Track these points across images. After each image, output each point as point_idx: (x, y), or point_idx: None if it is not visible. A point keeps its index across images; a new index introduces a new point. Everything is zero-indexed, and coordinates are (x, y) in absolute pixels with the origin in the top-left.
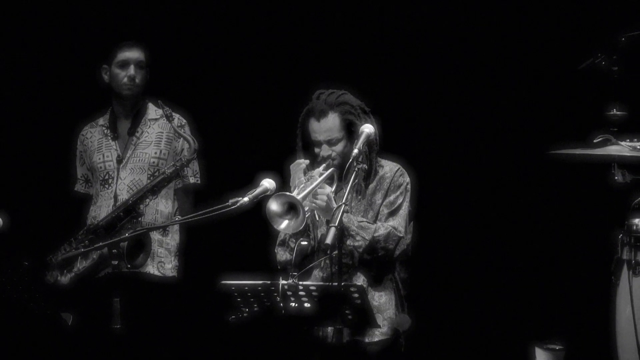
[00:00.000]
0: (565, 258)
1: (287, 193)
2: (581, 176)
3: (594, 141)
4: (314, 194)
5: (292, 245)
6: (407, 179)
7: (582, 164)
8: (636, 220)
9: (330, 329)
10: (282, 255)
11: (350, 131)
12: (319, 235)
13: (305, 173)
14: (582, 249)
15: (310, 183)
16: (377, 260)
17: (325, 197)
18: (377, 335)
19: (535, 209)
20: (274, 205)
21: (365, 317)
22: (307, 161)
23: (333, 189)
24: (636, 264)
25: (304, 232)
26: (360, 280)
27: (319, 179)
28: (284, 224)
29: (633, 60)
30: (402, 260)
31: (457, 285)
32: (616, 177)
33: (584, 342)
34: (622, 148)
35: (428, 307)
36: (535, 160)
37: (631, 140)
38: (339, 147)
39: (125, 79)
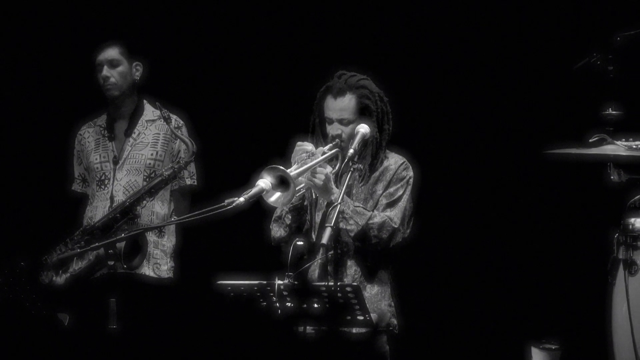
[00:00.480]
0: (561, 257)
1: (280, 167)
2: (577, 176)
3: (590, 141)
4: (312, 171)
5: (288, 221)
6: (411, 174)
7: (578, 164)
8: (632, 220)
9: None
10: (276, 231)
11: (363, 116)
12: (318, 218)
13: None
14: (578, 249)
15: (310, 160)
16: (370, 249)
17: (323, 177)
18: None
19: (532, 209)
20: (266, 177)
21: (362, 317)
22: (312, 147)
23: (334, 170)
24: (632, 264)
25: (301, 210)
26: (352, 270)
27: (320, 158)
28: (273, 197)
29: (628, 59)
30: (397, 255)
31: (454, 283)
32: (612, 177)
33: (580, 342)
34: (618, 147)
35: (424, 305)
36: (531, 160)
37: (627, 140)
38: (349, 128)
39: (101, 81)
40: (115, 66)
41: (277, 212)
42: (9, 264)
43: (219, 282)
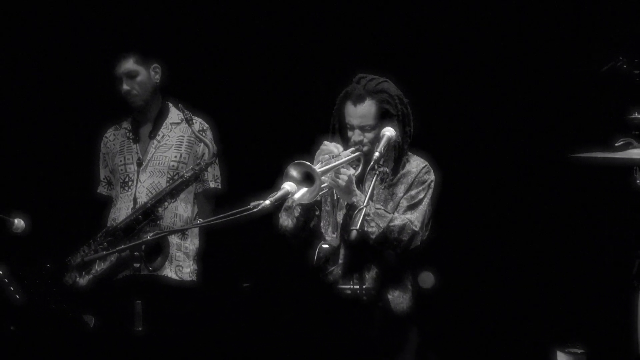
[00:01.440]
0: (586, 261)
1: (307, 162)
2: (602, 179)
3: (616, 145)
4: (336, 171)
5: (296, 214)
6: (432, 177)
7: (604, 168)
8: None
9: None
10: (284, 220)
11: (385, 119)
12: (339, 217)
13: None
14: (604, 252)
15: (334, 160)
16: (389, 252)
17: (346, 178)
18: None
19: (557, 212)
20: (292, 172)
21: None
22: (337, 148)
23: (357, 172)
24: None
25: (313, 208)
26: (373, 272)
27: (344, 159)
28: (298, 194)
29: None
30: (417, 258)
31: (478, 287)
32: (638, 181)
33: (606, 346)
34: None
35: (448, 308)
36: (557, 163)
37: None
38: (371, 134)
39: (123, 94)
40: (134, 77)
41: (288, 202)
42: (34, 266)
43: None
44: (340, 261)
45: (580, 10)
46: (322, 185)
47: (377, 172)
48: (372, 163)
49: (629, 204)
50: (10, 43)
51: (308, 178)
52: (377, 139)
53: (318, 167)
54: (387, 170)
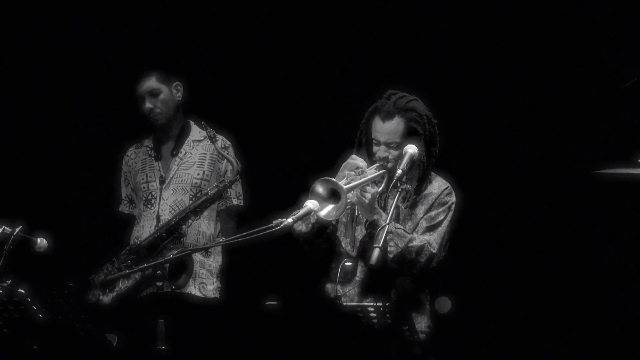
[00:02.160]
0: (611, 278)
1: (333, 179)
2: (626, 195)
3: (639, 160)
4: (362, 188)
5: (312, 220)
6: (453, 199)
7: (627, 183)
8: None
9: None
10: (299, 224)
11: (411, 136)
12: (357, 232)
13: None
14: (629, 269)
15: (359, 177)
16: (406, 272)
17: (370, 196)
18: None
19: (581, 229)
20: (319, 188)
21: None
22: (364, 164)
23: (380, 189)
24: None
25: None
26: (391, 293)
27: (370, 176)
28: (324, 211)
29: None
30: (435, 278)
31: (501, 307)
32: None
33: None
34: None
35: (469, 329)
36: (580, 180)
37: None
38: (397, 152)
39: (146, 113)
40: (156, 95)
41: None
42: (57, 285)
43: (268, 302)
44: (357, 278)
45: (606, 25)
46: (347, 201)
47: (400, 190)
48: (394, 180)
49: None
50: (32, 62)
51: (334, 195)
52: (401, 156)
53: (344, 184)
54: (410, 187)
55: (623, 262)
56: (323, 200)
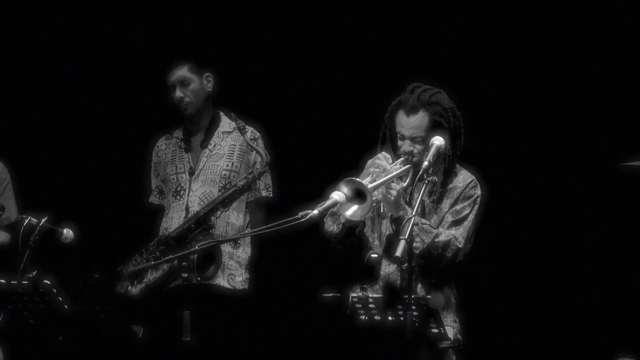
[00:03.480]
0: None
1: (358, 179)
2: None
3: None
4: (387, 186)
5: (342, 219)
6: (479, 192)
7: None
8: None
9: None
10: (329, 225)
11: (436, 129)
12: (383, 227)
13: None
14: None
15: (384, 175)
16: (433, 267)
17: (395, 192)
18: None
19: (608, 221)
20: (344, 189)
21: (437, 331)
22: (388, 164)
23: (405, 185)
24: None
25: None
26: (417, 287)
27: (394, 173)
28: (350, 211)
29: None
30: (461, 272)
31: (536, 296)
32: None
33: None
34: None
35: (506, 319)
36: (606, 172)
37: None
38: (422, 146)
39: (176, 102)
40: (187, 85)
41: (334, 208)
42: (83, 276)
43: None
44: (382, 273)
45: (630, 21)
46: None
47: (426, 182)
48: (421, 172)
49: None
50: (64, 51)
51: (359, 195)
52: (427, 149)
53: (368, 182)
54: (436, 179)
55: None
56: (348, 200)
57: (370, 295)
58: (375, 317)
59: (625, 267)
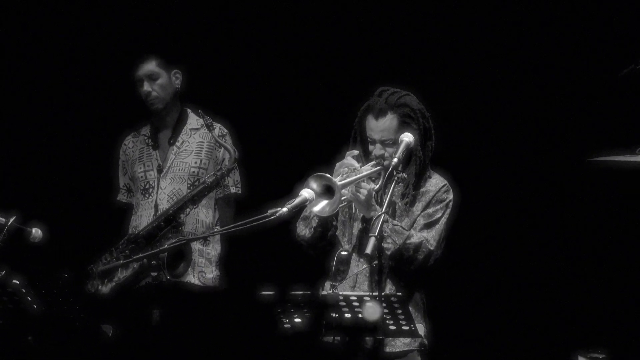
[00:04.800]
0: (607, 265)
1: (327, 175)
2: (622, 183)
3: (637, 151)
4: (357, 185)
5: (314, 224)
6: (451, 197)
7: (623, 171)
8: None
9: (369, 339)
10: (302, 229)
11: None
12: (355, 229)
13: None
14: (625, 256)
15: (355, 174)
16: (404, 269)
17: (366, 192)
18: (399, 345)
19: (577, 216)
20: (313, 184)
21: (407, 327)
22: (357, 152)
23: (376, 187)
24: None
25: (330, 218)
26: (387, 289)
27: (365, 172)
28: (318, 207)
29: None
30: (430, 276)
31: (498, 293)
32: None
33: (629, 351)
34: None
35: (468, 316)
36: (575, 167)
37: None
38: (392, 148)
39: (144, 96)
40: (155, 79)
41: (306, 212)
42: (52, 276)
43: (263, 292)
44: (351, 273)
45: (600, 12)
46: (342, 198)
47: (396, 178)
48: (390, 169)
49: None
50: (26, 48)
51: (328, 191)
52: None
53: (338, 180)
54: (406, 176)
55: (619, 248)
56: (317, 196)
57: (340, 293)
58: (346, 315)
59: (596, 263)
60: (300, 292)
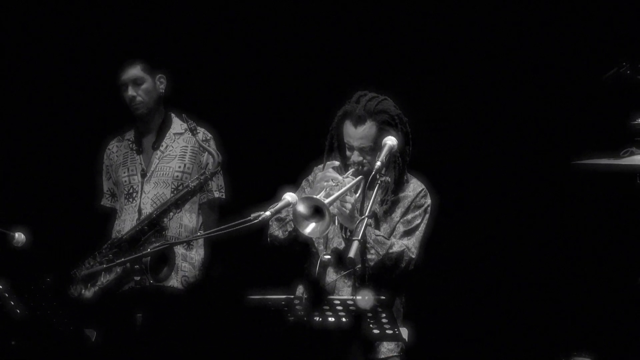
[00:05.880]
0: (591, 269)
1: (315, 197)
2: (606, 186)
3: (620, 154)
4: (341, 200)
5: (289, 228)
6: (429, 201)
7: (607, 174)
8: None
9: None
10: (275, 229)
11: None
12: (330, 235)
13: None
14: (609, 259)
15: (338, 188)
16: (386, 277)
17: (350, 206)
18: (383, 352)
19: (561, 220)
20: (300, 208)
21: (391, 331)
22: (338, 163)
23: (357, 196)
24: None
25: None
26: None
27: (347, 186)
28: (309, 228)
29: None
30: (410, 282)
31: (482, 299)
32: None
33: (613, 356)
34: None
35: (452, 321)
36: (559, 170)
37: None
38: (371, 156)
39: (128, 101)
40: (140, 84)
41: (282, 214)
42: (35, 280)
43: (250, 296)
44: (329, 279)
45: (584, 14)
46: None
47: (379, 182)
48: (373, 172)
49: (632, 210)
50: (12, 48)
51: (317, 212)
52: (377, 156)
53: (323, 197)
54: (389, 180)
55: (604, 251)
56: (305, 218)
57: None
58: (329, 319)
59: (578, 266)
60: (284, 296)
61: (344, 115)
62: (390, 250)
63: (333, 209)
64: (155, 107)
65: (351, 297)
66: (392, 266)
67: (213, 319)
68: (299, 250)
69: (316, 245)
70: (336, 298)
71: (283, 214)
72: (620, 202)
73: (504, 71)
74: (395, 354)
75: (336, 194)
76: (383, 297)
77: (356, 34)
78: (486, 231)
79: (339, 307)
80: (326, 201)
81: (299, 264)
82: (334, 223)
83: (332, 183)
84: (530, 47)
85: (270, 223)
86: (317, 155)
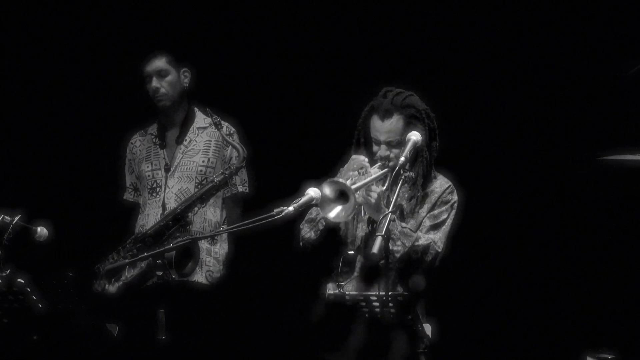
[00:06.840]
0: (617, 265)
1: (341, 181)
2: (631, 182)
3: None
4: (367, 188)
5: (320, 227)
6: (456, 198)
7: (632, 170)
8: None
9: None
10: (307, 232)
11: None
12: (359, 230)
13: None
14: (635, 256)
15: (364, 177)
16: (411, 271)
17: (376, 195)
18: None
19: (586, 216)
20: (326, 190)
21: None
22: (367, 159)
23: (384, 188)
24: None
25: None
26: (397, 290)
27: (374, 175)
28: (333, 213)
29: None
30: (435, 276)
31: (505, 293)
32: None
33: (638, 351)
34: None
35: (474, 316)
36: (584, 166)
37: None
38: (398, 149)
39: (152, 93)
40: (164, 76)
41: (312, 215)
42: (57, 275)
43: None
44: (356, 274)
45: (608, 11)
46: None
47: (403, 177)
48: (397, 167)
49: None
50: (35, 46)
51: (342, 196)
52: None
53: (350, 184)
54: (413, 175)
55: (629, 248)
56: (331, 202)
57: (346, 292)
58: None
59: (600, 264)
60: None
61: (371, 110)
62: (417, 243)
63: (359, 198)
64: (178, 101)
65: (374, 294)
66: (417, 259)
67: (238, 314)
68: (332, 250)
69: (343, 237)
70: (360, 294)
71: (313, 214)
72: None
73: (531, 67)
74: (420, 349)
75: (363, 181)
76: (407, 293)
77: (387, 30)
78: (512, 228)
79: (363, 303)
80: (352, 186)
81: (325, 261)
82: (362, 215)
83: (361, 170)
84: (557, 42)
85: (300, 227)
86: (340, 149)
